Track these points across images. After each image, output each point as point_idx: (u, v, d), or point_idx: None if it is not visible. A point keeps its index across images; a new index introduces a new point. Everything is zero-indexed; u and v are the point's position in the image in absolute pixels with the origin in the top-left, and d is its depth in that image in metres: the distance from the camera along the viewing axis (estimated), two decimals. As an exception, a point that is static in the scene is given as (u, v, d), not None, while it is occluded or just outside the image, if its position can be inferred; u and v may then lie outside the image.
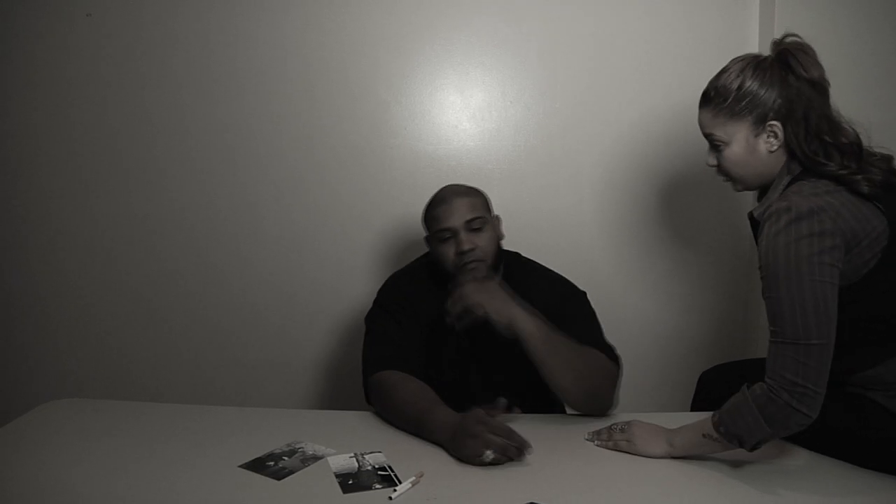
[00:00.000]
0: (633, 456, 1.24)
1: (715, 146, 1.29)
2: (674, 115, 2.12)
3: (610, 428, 1.30)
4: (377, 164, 2.09)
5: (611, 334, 1.93)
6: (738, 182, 1.30)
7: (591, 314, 1.59)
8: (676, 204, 2.14)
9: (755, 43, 2.10)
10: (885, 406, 1.18)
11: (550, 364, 1.38)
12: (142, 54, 2.00)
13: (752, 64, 1.23)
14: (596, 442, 1.29)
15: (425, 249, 2.00)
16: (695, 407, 1.55)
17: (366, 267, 2.09)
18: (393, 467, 1.14)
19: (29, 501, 1.00)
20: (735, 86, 1.23)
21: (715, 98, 1.26)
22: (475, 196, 1.56)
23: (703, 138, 2.18)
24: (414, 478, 1.09)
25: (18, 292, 2.09)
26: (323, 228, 2.09)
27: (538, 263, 1.67)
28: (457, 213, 1.50)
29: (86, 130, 2.04)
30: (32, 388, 2.09)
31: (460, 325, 1.39)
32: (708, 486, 1.14)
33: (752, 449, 1.15)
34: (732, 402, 1.16)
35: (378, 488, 1.07)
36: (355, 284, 2.09)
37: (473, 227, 1.50)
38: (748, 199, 2.14)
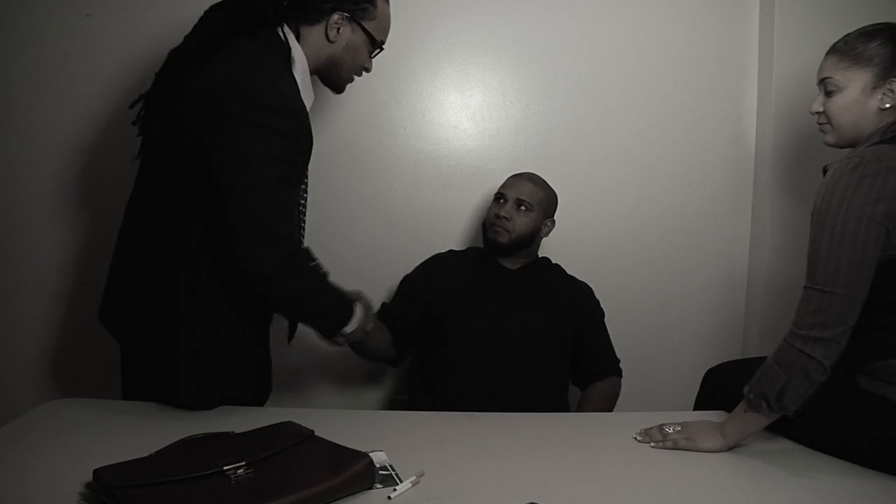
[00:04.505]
0: (633, 456, 1.24)
1: (828, 91, 1.30)
2: (674, 115, 2.12)
3: (661, 428, 1.30)
4: (377, 165, 2.08)
5: (612, 333, 1.95)
6: (833, 131, 1.31)
7: (607, 333, 1.90)
8: (677, 204, 2.14)
9: (755, 44, 2.10)
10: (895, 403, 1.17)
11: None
12: (142, 54, 2.00)
13: (893, 27, 1.26)
14: (652, 444, 1.29)
15: (427, 249, 2.02)
16: (698, 405, 1.55)
17: (364, 267, 2.08)
18: (394, 466, 1.14)
19: (29, 501, 0.99)
20: (868, 37, 1.26)
21: (845, 46, 1.28)
22: (542, 189, 1.86)
23: (700, 143, 2.20)
24: (414, 477, 1.09)
25: (19, 291, 2.09)
26: (322, 228, 2.08)
27: (564, 270, 1.94)
28: (515, 187, 1.83)
29: (86, 130, 2.04)
30: (32, 388, 2.09)
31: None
32: (708, 486, 1.15)
33: (783, 409, 1.16)
34: (760, 367, 1.20)
35: (378, 487, 1.07)
36: (351, 284, 2.08)
37: (521, 206, 1.80)
38: (748, 199, 2.14)
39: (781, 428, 1.28)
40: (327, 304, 1.40)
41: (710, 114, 2.12)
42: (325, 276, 1.41)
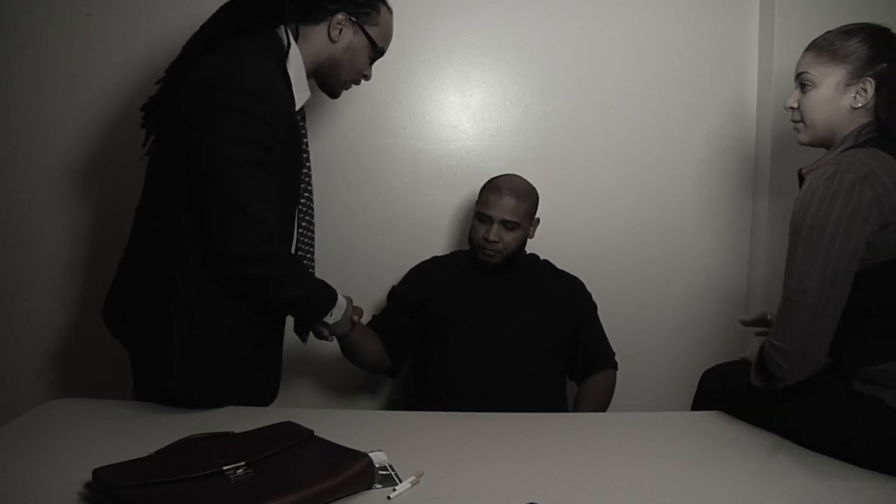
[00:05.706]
0: (632, 457, 1.24)
1: (803, 86, 1.30)
2: (674, 115, 2.12)
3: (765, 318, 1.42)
4: (377, 165, 2.08)
5: (611, 333, 1.95)
6: (807, 129, 1.31)
7: (601, 326, 1.91)
8: (677, 204, 2.14)
9: (755, 44, 2.10)
10: (891, 406, 1.17)
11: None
12: (142, 54, 2.00)
13: (873, 28, 1.26)
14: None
15: (427, 249, 2.02)
16: (695, 406, 1.55)
17: (363, 267, 2.09)
18: (393, 466, 1.14)
19: (29, 501, 1.00)
20: (847, 35, 1.25)
21: (823, 42, 1.28)
22: (524, 201, 1.80)
23: (700, 143, 2.19)
24: (414, 477, 1.09)
25: (19, 291, 2.09)
26: (321, 228, 2.08)
27: (554, 265, 1.95)
28: (499, 208, 1.77)
29: (86, 130, 2.04)
30: (32, 388, 2.09)
31: None
32: (708, 487, 1.14)
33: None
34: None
35: (378, 487, 1.07)
36: (352, 284, 2.08)
37: (508, 226, 1.77)
38: (747, 199, 2.14)
39: (781, 429, 1.28)
40: (307, 290, 1.40)
41: (710, 114, 2.12)
42: (304, 265, 1.43)
